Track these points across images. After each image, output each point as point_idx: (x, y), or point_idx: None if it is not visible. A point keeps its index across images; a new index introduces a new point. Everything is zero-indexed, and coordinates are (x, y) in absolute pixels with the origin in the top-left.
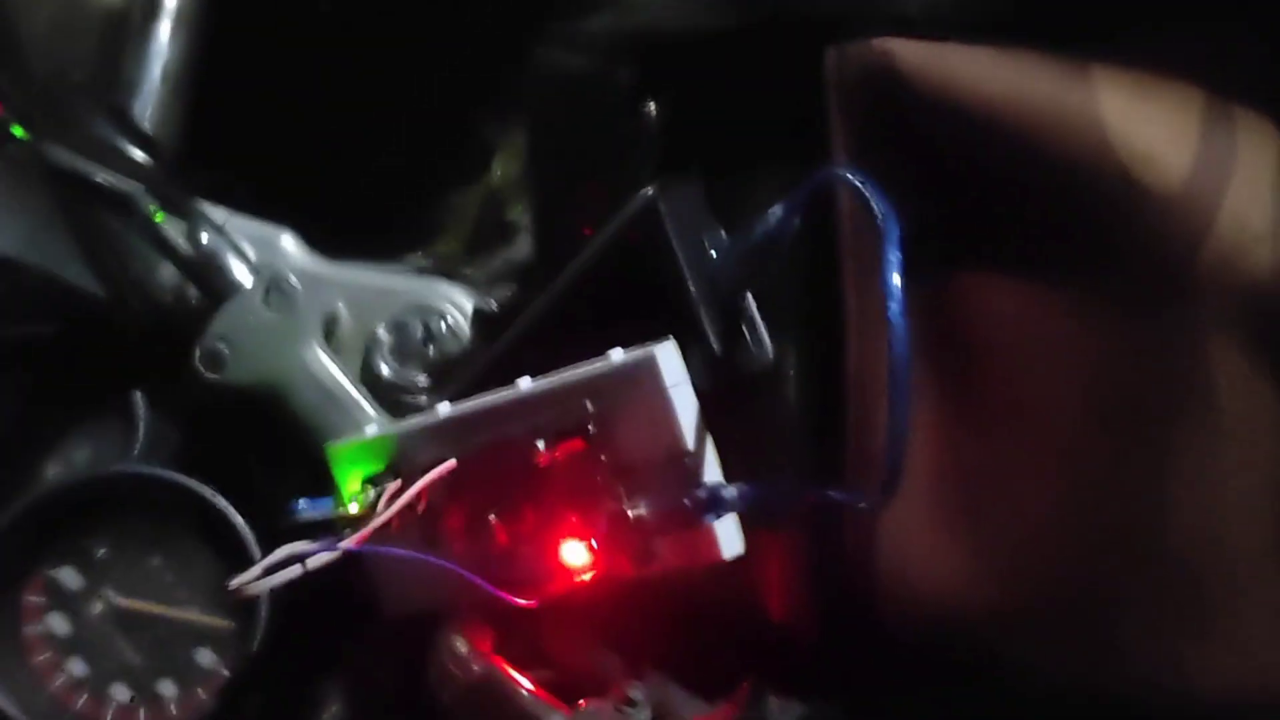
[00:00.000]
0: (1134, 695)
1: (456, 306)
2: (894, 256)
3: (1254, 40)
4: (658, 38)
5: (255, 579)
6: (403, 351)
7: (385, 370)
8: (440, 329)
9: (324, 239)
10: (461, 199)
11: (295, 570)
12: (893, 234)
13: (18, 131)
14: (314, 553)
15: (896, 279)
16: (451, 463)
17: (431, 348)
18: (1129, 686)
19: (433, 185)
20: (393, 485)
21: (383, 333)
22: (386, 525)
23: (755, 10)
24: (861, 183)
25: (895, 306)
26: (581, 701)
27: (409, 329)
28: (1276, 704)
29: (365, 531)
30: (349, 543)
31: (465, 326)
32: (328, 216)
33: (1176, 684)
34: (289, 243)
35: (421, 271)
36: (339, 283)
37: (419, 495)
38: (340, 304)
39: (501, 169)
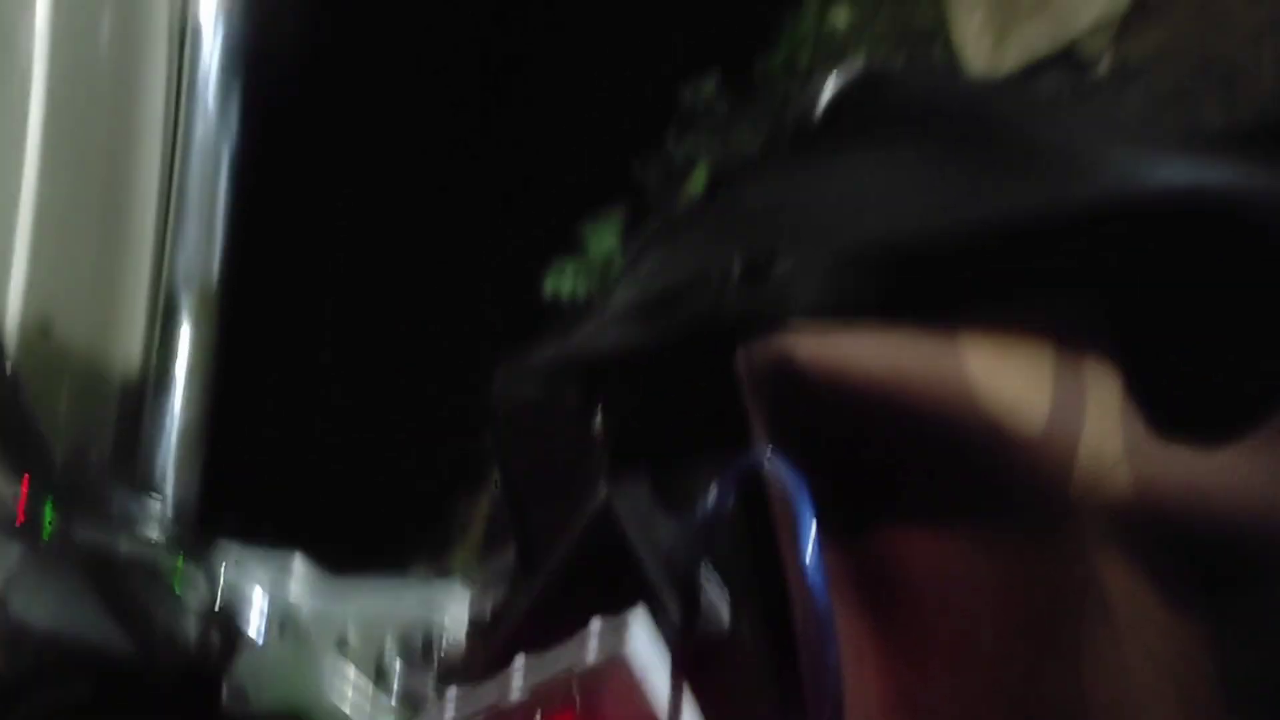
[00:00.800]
0: None
1: (454, 617)
2: (807, 523)
3: (1089, 301)
4: (594, 363)
5: None
6: (409, 659)
7: (396, 676)
8: (440, 638)
9: (339, 557)
10: (469, 507)
11: None
12: (804, 505)
13: (48, 514)
14: None
15: (811, 544)
16: None
17: (435, 654)
18: None
19: (442, 496)
20: None
21: (389, 646)
22: None
23: (672, 329)
24: (772, 463)
25: (813, 569)
26: None
27: (413, 640)
28: None
29: None
30: None
31: (462, 633)
32: (342, 536)
33: None
34: (299, 568)
35: (425, 582)
36: (348, 605)
37: None
38: (350, 625)
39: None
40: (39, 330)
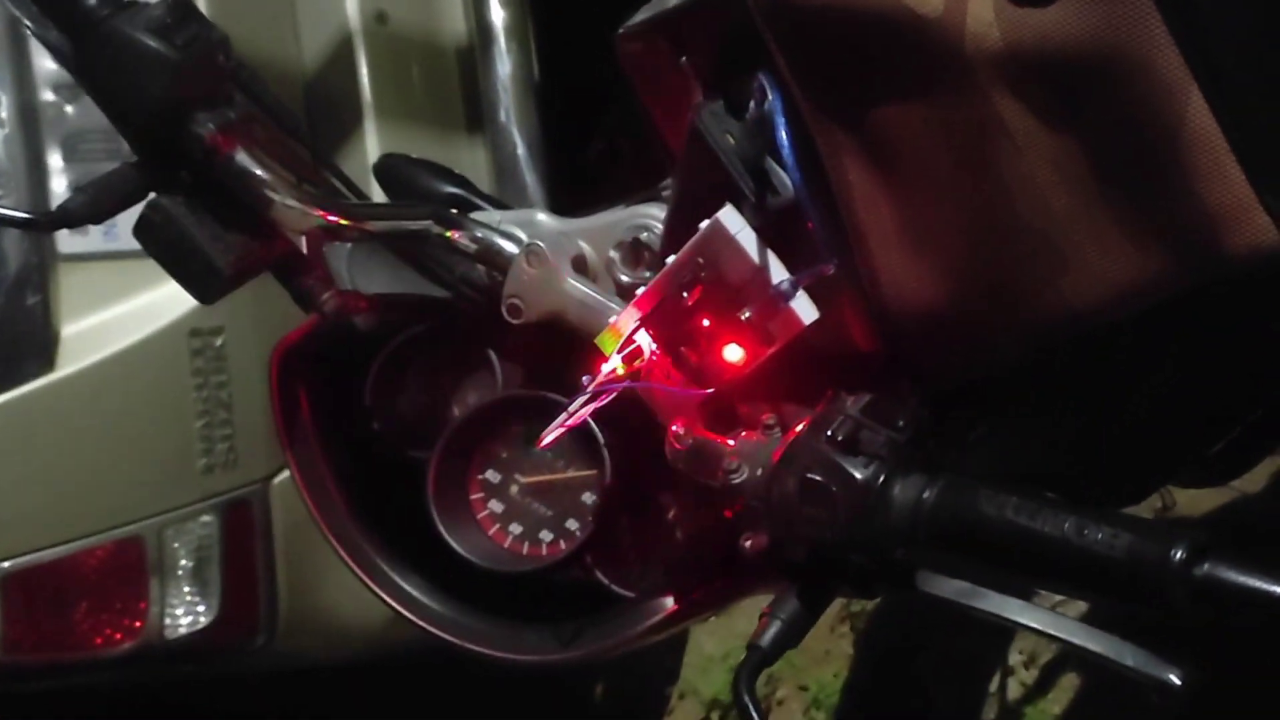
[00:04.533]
0: (1033, 314)
1: (653, 219)
2: (779, 121)
3: None
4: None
5: (557, 427)
6: (629, 260)
7: (623, 276)
8: (646, 238)
9: (572, 204)
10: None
11: (576, 406)
12: (776, 106)
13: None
14: (579, 400)
15: (784, 135)
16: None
17: (645, 252)
18: (1034, 312)
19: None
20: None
21: (613, 253)
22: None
23: None
24: (768, 80)
25: (788, 153)
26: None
27: (628, 244)
28: (1129, 295)
29: (603, 378)
30: (593, 384)
31: (659, 231)
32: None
33: (1059, 301)
34: (540, 217)
35: (629, 203)
36: (576, 232)
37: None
38: (582, 244)
39: None
40: (377, 19)
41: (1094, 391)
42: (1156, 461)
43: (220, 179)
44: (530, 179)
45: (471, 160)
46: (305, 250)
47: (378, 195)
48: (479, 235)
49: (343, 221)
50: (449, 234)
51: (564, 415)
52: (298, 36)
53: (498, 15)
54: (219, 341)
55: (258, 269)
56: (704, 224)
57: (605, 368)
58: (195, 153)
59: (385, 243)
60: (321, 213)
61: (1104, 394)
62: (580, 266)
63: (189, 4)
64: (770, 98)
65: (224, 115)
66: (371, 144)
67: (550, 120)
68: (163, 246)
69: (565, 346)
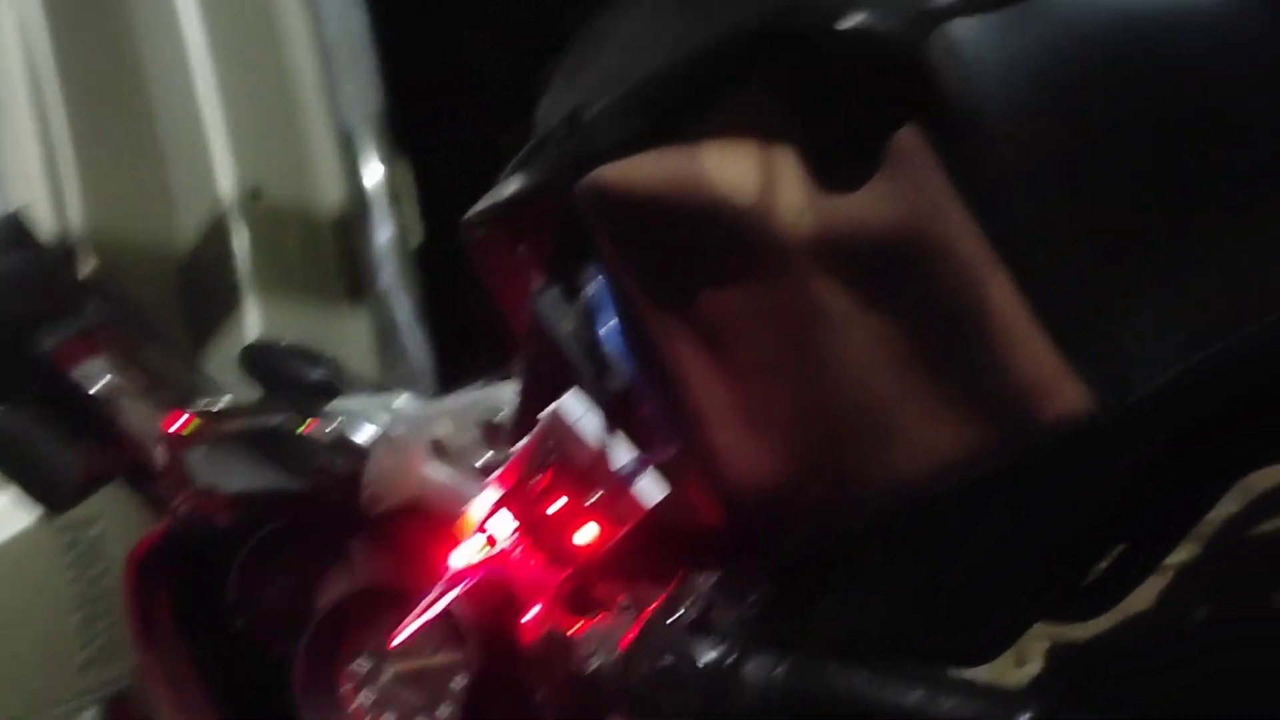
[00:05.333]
0: (866, 487)
1: (508, 400)
2: (608, 315)
3: (775, 101)
4: (512, 202)
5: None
6: (488, 441)
7: (482, 458)
8: (502, 419)
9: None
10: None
11: (431, 599)
12: (602, 294)
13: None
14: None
15: (608, 323)
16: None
17: (503, 432)
18: (867, 485)
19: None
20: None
21: (472, 435)
22: None
23: (540, 172)
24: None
25: (612, 343)
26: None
27: (486, 426)
28: (957, 466)
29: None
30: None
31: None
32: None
33: (890, 474)
34: (399, 401)
35: (488, 383)
36: (435, 414)
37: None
38: (441, 427)
39: None
40: (251, 195)
41: (929, 547)
42: (1008, 609)
43: (69, 389)
44: (413, 345)
45: (354, 329)
46: (158, 454)
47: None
48: (335, 425)
49: (194, 424)
50: (304, 427)
51: (419, 610)
52: (171, 217)
53: (374, 182)
54: (95, 531)
55: (108, 477)
56: (546, 410)
57: (463, 553)
58: (41, 366)
59: (242, 439)
60: (173, 416)
61: (938, 549)
62: (439, 450)
63: (21, 226)
64: (597, 286)
65: (72, 326)
66: (251, 320)
67: (433, 284)
68: (8, 458)
69: (428, 531)
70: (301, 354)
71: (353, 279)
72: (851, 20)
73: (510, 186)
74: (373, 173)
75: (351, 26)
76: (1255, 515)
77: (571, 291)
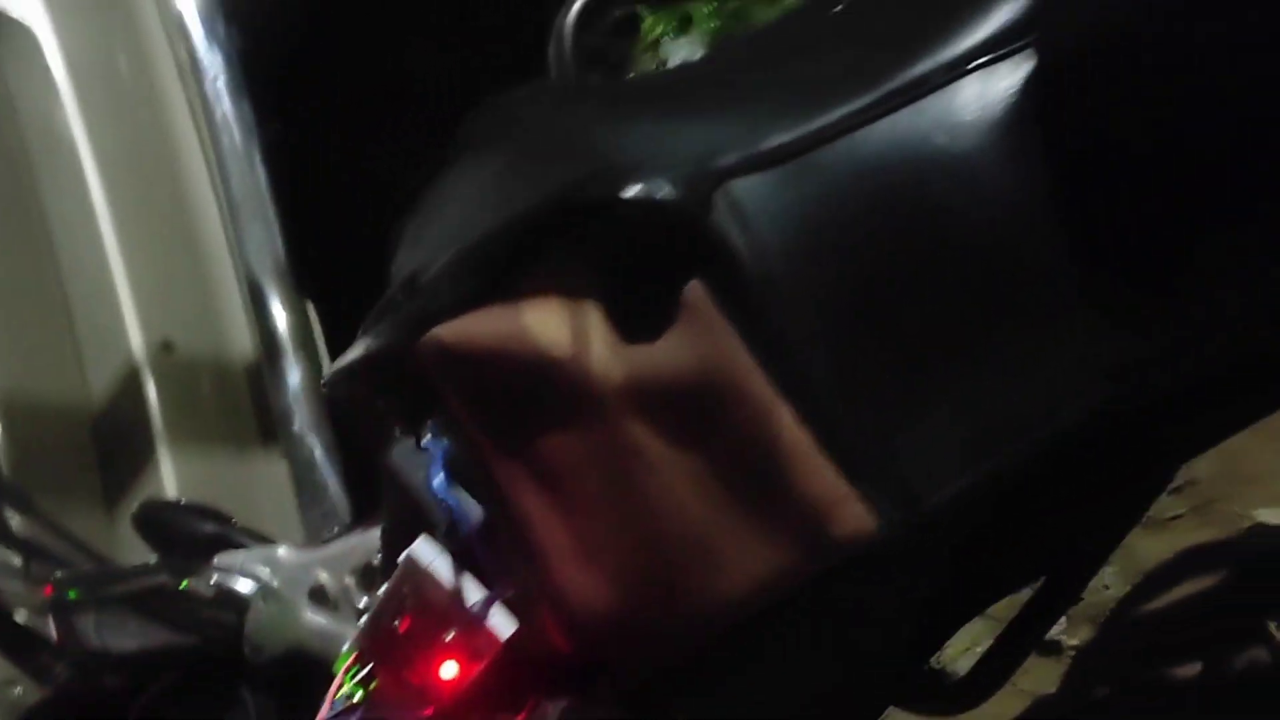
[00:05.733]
0: (695, 609)
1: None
2: (437, 470)
3: (585, 262)
4: (364, 362)
5: None
6: (364, 585)
7: (360, 602)
8: (377, 563)
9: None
10: None
11: None
12: (437, 446)
13: (72, 595)
14: None
15: (443, 473)
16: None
17: (379, 576)
18: (697, 608)
19: None
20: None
21: (349, 580)
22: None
23: (385, 333)
24: (437, 421)
25: (442, 493)
26: None
27: (362, 570)
28: (771, 585)
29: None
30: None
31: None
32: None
33: (716, 596)
34: (280, 552)
35: (365, 528)
36: (315, 562)
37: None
38: (321, 573)
39: None
40: (163, 348)
41: (765, 656)
42: (858, 702)
43: None
44: (330, 483)
45: (270, 472)
46: (42, 624)
47: None
48: (216, 580)
49: (71, 594)
50: (186, 585)
51: None
52: (82, 375)
53: (283, 327)
54: (16, 692)
55: None
56: (401, 556)
57: (339, 694)
58: None
59: (128, 600)
60: (49, 589)
61: (774, 657)
62: (320, 596)
63: None
64: (434, 439)
65: None
66: (167, 472)
67: (345, 422)
68: None
69: (310, 678)
70: (194, 510)
71: (266, 423)
72: (633, 190)
73: (359, 348)
74: (280, 318)
75: (253, 179)
76: (1144, 594)
77: (424, 442)
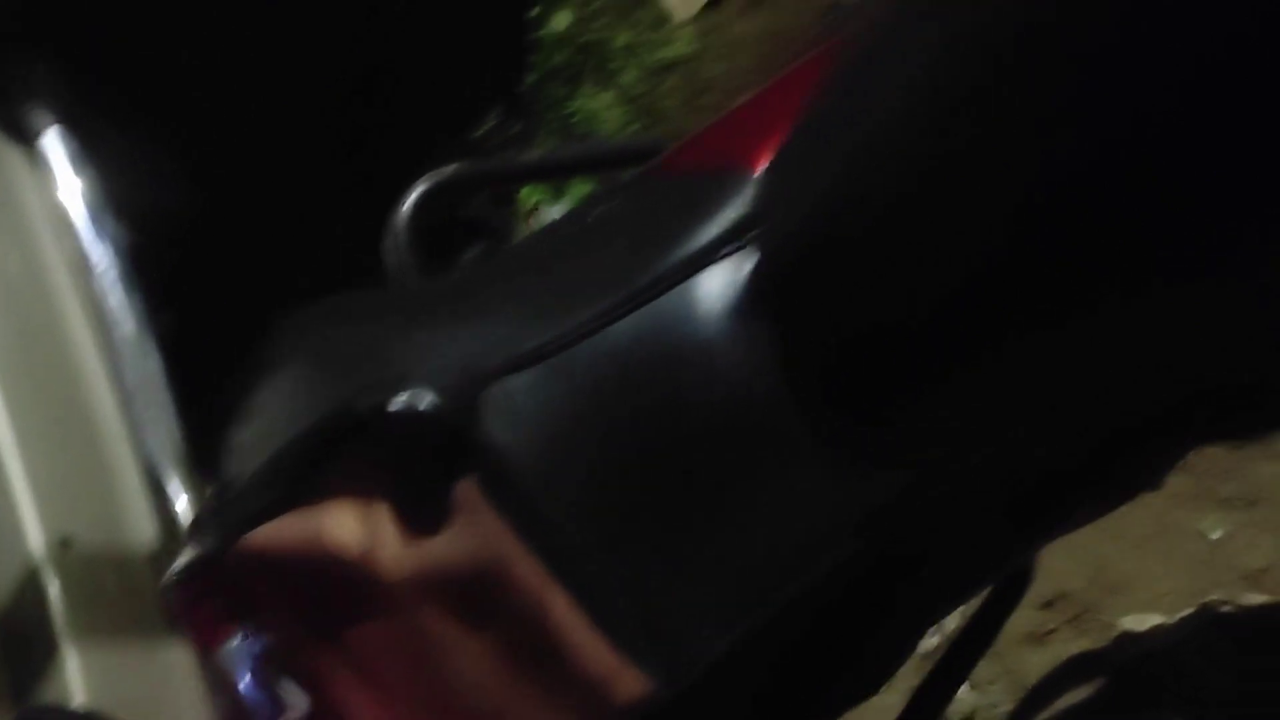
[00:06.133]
0: None
1: None
2: (244, 672)
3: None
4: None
5: None
6: None
7: None
8: None
9: None
10: None
11: None
12: (242, 650)
13: None
14: None
15: (248, 681)
16: None
17: None
18: None
19: None
20: None
21: None
22: None
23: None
24: (246, 628)
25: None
26: None
27: None
28: None
29: None
30: None
31: None
32: None
33: None
34: None
35: None
36: None
37: None
38: None
39: None
40: (61, 545)
41: None
42: None
43: None
44: None
45: (177, 661)
46: None
47: None
48: None
49: None
50: None
51: None
52: None
53: (184, 513)
54: None
55: None
56: None
57: None
58: None
59: None
60: None
61: None
62: None
63: None
64: (243, 642)
65: None
66: (72, 668)
67: None
68: None
69: None
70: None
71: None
72: (397, 403)
73: (183, 557)
74: (181, 505)
75: (147, 369)
76: (1030, 708)
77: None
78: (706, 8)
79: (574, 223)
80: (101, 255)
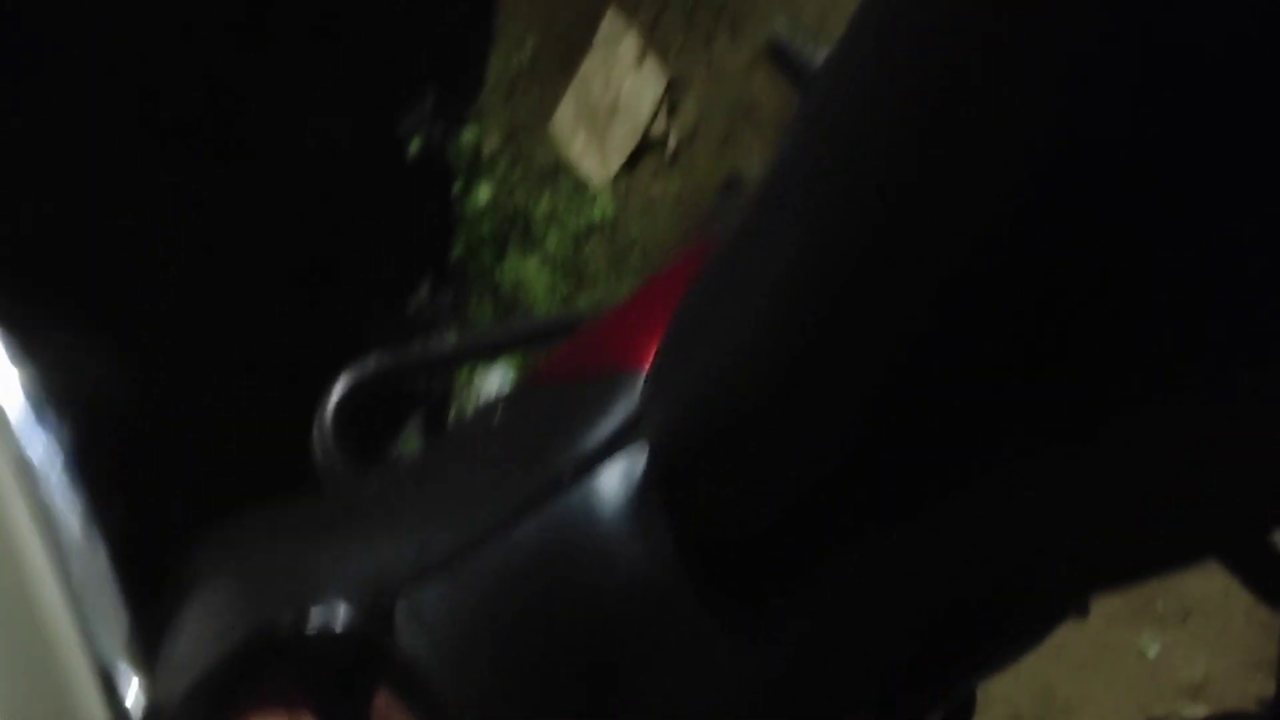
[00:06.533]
0: None
1: None
2: None
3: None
4: None
5: None
6: None
7: None
8: None
9: None
10: None
11: None
12: None
13: None
14: None
15: None
16: None
17: None
18: None
19: None
20: None
21: None
22: None
23: None
24: None
25: None
26: None
27: None
28: None
29: None
30: None
31: None
32: None
33: None
34: None
35: None
36: None
37: None
38: None
39: None
40: None
41: None
42: None
43: None
44: None
45: None
46: None
47: None
48: None
49: None
50: None
51: None
52: None
53: (134, 705)
54: None
55: None
56: None
57: None
58: None
59: None
60: None
61: None
62: None
63: None
64: None
65: None
66: None
67: None
68: None
69: None
70: None
71: None
72: (314, 623)
73: None
74: (133, 695)
75: (95, 566)
76: None
77: None
78: (622, 171)
79: (479, 425)
80: (43, 454)
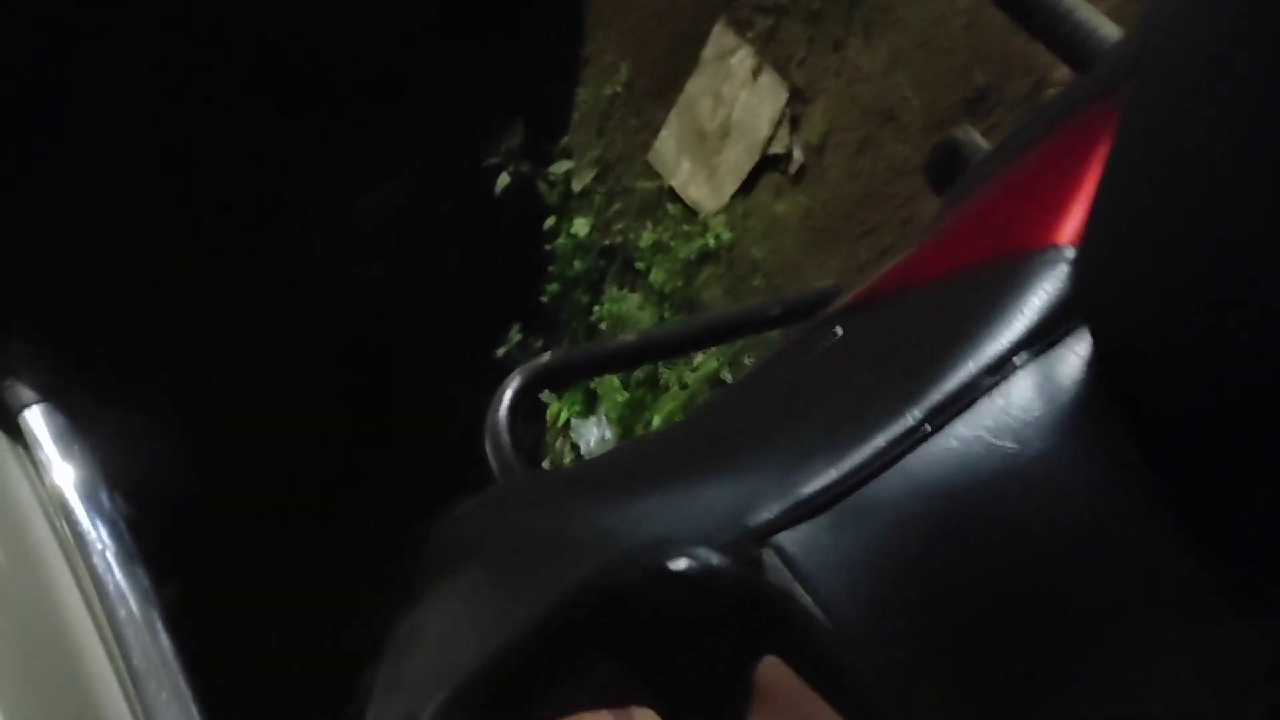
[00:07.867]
0: None
1: None
2: None
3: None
4: None
5: None
6: None
7: None
8: None
9: None
10: None
11: None
12: None
13: None
14: None
15: None
16: None
17: None
18: None
19: None
20: None
21: None
22: None
23: None
24: None
25: None
26: None
27: None
28: None
29: None
30: None
31: None
32: None
33: None
34: None
35: None
36: None
37: None
38: None
39: None
40: None
41: None
42: None
43: None
44: None
45: None
46: None
47: None
48: None
49: None
50: None
51: None
52: None
53: None
54: None
55: None
56: None
57: None
58: None
59: None
60: None
61: None
62: None
63: None
64: None
65: None
66: None
67: None
68: None
69: None
70: None
71: None
72: (673, 564)
73: None
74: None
75: (156, 648)
76: None
77: None
78: (737, 194)
79: (786, 368)
80: (99, 533)
